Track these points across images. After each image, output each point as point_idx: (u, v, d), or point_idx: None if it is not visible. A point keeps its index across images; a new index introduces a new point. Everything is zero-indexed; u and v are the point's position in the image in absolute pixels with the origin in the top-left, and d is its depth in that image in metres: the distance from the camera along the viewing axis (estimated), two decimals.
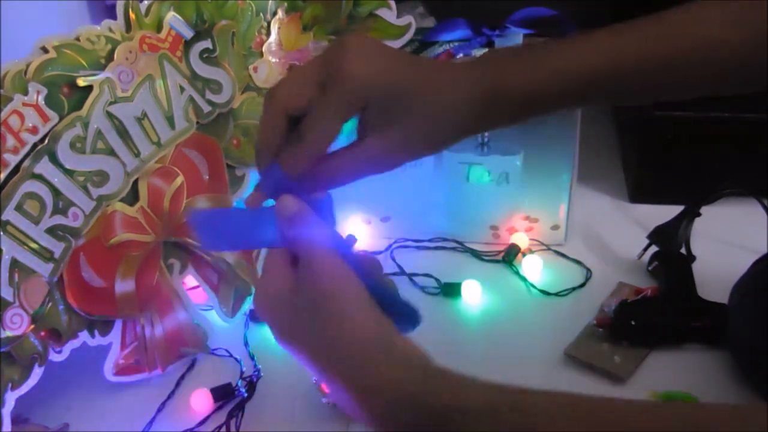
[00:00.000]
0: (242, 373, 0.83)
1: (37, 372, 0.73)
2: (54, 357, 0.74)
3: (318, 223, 0.52)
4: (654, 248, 0.93)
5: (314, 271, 0.50)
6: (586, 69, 0.57)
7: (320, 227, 0.52)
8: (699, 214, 0.91)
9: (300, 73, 0.55)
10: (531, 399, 0.46)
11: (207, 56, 0.80)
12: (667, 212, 0.92)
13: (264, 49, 0.84)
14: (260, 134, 0.54)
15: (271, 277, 0.51)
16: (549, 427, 0.44)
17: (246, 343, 0.87)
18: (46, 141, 0.71)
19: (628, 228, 1.01)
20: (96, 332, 0.77)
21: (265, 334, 0.89)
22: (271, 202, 0.55)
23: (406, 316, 0.52)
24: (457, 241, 0.99)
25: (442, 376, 0.48)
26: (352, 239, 0.55)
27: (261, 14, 0.83)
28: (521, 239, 0.97)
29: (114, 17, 0.75)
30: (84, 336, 0.76)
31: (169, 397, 0.81)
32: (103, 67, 0.74)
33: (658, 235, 0.92)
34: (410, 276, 0.94)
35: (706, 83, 0.60)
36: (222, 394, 0.80)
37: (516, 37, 0.94)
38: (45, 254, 0.72)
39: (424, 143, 0.57)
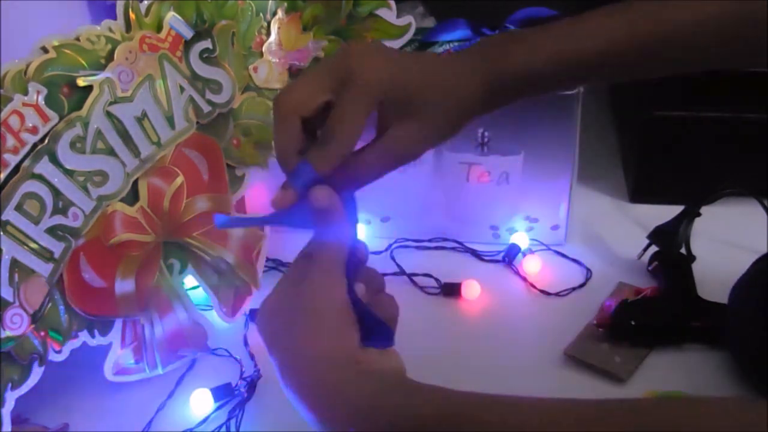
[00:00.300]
0: (242, 373, 0.83)
1: (37, 372, 0.73)
2: (54, 357, 0.74)
3: (343, 223, 0.55)
4: (654, 248, 0.93)
5: (313, 282, 0.52)
6: (582, 50, 0.59)
7: (344, 227, 0.55)
8: (699, 214, 0.91)
9: (310, 78, 0.56)
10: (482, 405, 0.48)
11: (207, 56, 0.80)
12: (667, 212, 0.92)
13: (264, 49, 0.84)
14: (278, 139, 0.56)
15: (274, 294, 0.55)
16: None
17: (246, 343, 0.87)
18: (46, 141, 0.71)
19: (628, 228, 1.01)
20: (96, 332, 0.77)
21: None
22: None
23: (382, 335, 0.53)
24: (457, 241, 0.99)
25: (404, 389, 0.50)
26: (365, 250, 0.57)
27: (261, 14, 0.83)
28: (521, 239, 0.97)
29: (114, 17, 0.75)
30: (84, 336, 0.76)
31: (169, 397, 0.81)
32: (103, 67, 0.74)
33: (658, 235, 0.92)
34: (410, 276, 0.94)
35: (704, 58, 0.61)
36: (222, 394, 0.80)
37: None
38: (45, 254, 0.72)
39: (438, 131, 0.60)
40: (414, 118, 0.57)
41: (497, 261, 0.97)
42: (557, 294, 0.91)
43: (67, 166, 0.72)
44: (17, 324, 0.71)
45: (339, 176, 0.56)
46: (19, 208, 0.70)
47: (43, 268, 0.72)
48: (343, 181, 0.56)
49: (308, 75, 0.58)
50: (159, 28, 0.77)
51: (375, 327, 0.53)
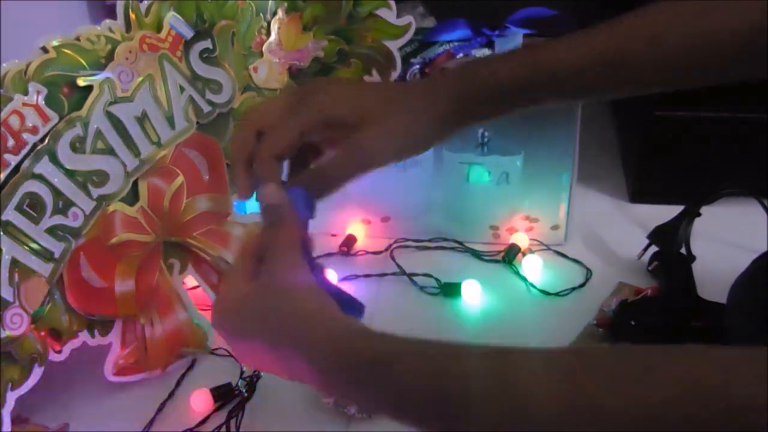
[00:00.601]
0: (242, 373, 0.83)
1: (37, 372, 0.73)
2: (54, 357, 0.74)
3: (291, 218, 0.56)
4: (654, 248, 0.93)
5: (275, 270, 0.54)
6: (545, 62, 0.59)
7: (293, 222, 0.56)
8: (699, 214, 0.91)
9: (272, 101, 0.62)
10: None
11: (207, 56, 0.80)
12: (667, 212, 0.92)
13: (264, 49, 0.84)
14: (232, 148, 0.59)
15: (223, 294, 0.55)
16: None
17: None
18: (46, 141, 0.71)
19: (628, 228, 1.01)
20: (96, 332, 0.77)
21: None
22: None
23: (354, 309, 0.55)
24: (457, 241, 0.99)
25: (376, 334, 0.51)
26: (311, 242, 0.58)
27: (261, 14, 0.83)
28: (521, 239, 0.97)
29: (114, 17, 0.75)
30: (84, 336, 0.76)
31: (169, 397, 0.81)
32: (103, 67, 0.74)
33: (658, 235, 0.92)
34: (410, 276, 0.94)
35: (707, 72, 0.61)
36: (222, 394, 0.80)
37: (516, 37, 0.94)
38: (45, 254, 0.72)
39: (400, 140, 0.61)
40: (374, 128, 0.59)
41: (497, 261, 0.97)
42: (557, 294, 0.91)
43: (67, 166, 0.72)
44: (17, 324, 0.71)
45: (309, 181, 0.59)
46: (19, 208, 0.70)
47: (43, 268, 0.72)
48: (313, 186, 0.59)
49: (271, 99, 0.64)
50: (159, 28, 0.77)
51: (346, 302, 0.55)
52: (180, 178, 0.80)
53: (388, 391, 0.48)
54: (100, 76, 0.73)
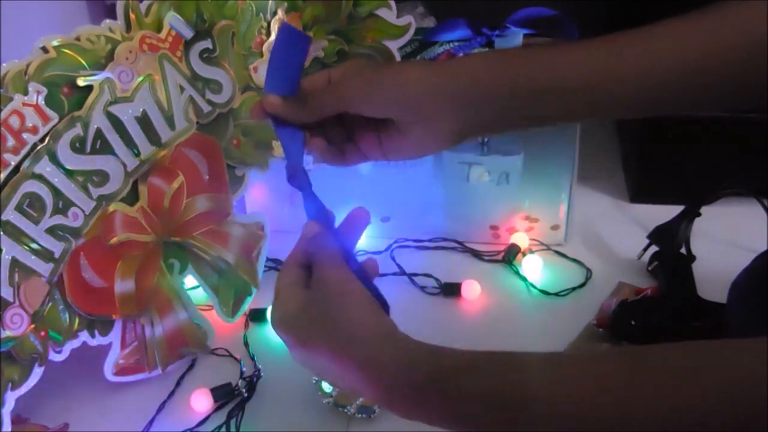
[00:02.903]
0: (242, 373, 0.83)
1: (37, 372, 0.73)
2: (54, 357, 0.74)
3: (331, 242, 0.58)
4: (654, 248, 0.93)
5: (325, 280, 0.56)
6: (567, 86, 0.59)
7: (332, 245, 0.58)
8: (699, 214, 0.91)
9: (352, 71, 0.62)
10: (517, 356, 0.52)
11: (207, 56, 0.80)
12: (667, 212, 0.92)
13: (264, 49, 0.84)
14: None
15: (284, 298, 0.56)
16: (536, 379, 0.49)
17: (246, 343, 0.87)
18: (46, 141, 0.71)
19: (628, 228, 1.01)
20: (96, 332, 0.77)
21: (265, 334, 0.89)
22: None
23: (383, 305, 0.57)
24: (457, 241, 0.99)
25: (436, 350, 0.54)
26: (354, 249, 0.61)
27: (261, 14, 0.83)
28: (521, 239, 0.97)
29: (114, 17, 0.75)
30: (84, 336, 0.76)
31: (169, 397, 0.81)
32: (103, 67, 0.74)
33: (658, 235, 0.92)
34: (410, 276, 0.94)
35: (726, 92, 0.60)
36: (222, 394, 0.80)
37: (516, 37, 0.94)
38: (45, 254, 0.72)
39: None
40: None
41: (497, 261, 0.97)
42: (557, 294, 0.91)
43: (67, 166, 0.72)
44: (17, 324, 0.71)
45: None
46: (19, 208, 0.70)
47: (43, 268, 0.72)
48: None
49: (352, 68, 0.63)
50: (159, 28, 0.77)
51: (378, 299, 0.56)
52: (180, 178, 0.80)
53: (448, 406, 0.50)
54: (100, 76, 0.73)
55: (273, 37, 0.63)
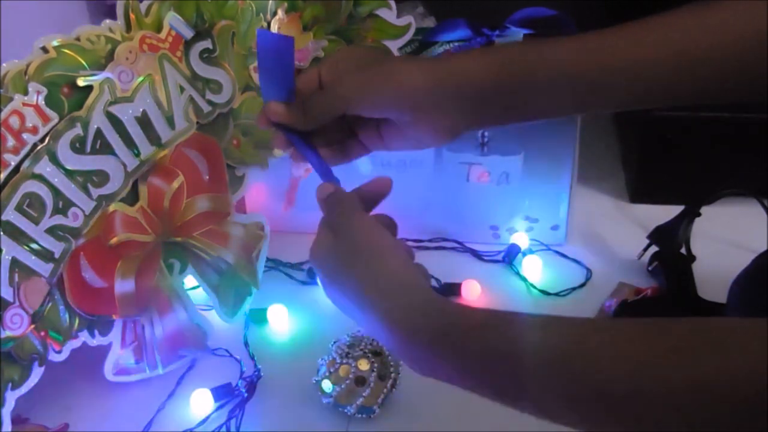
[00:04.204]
0: (242, 373, 0.83)
1: (37, 372, 0.73)
2: (54, 357, 0.74)
3: (346, 197, 0.60)
4: (654, 248, 0.93)
5: (350, 229, 0.57)
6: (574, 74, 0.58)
7: (348, 199, 0.60)
8: (699, 214, 0.91)
9: (345, 61, 0.63)
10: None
11: (207, 56, 0.80)
12: (667, 212, 0.92)
13: None
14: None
15: (318, 239, 0.58)
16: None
17: (246, 343, 0.87)
18: (46, 141, 0.71)
19: (628, 228, 1.01)
20: (96, 332, 0.77)
21: (265, 334, 0.89)
22: None
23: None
24: (457, 241, 0.99)
25: (455, 303, 0.54)
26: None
27: (261, 14, 0.83)
28: (521, 239, 0.97)
29: (114, 17, 0.74)
30: (84, 336, 0.76)
31: (169, 397, 0.81)
32: (103, 67, 0.73)
33: (658, 235, 0.92)
34: None
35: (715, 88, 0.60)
36: (222, 394, 0.80)
37: (516, 37, 0.94)
38: (45, 254, 0.72)
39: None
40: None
41: (497, 261, 0.97)
42: (557, 294, 0.91)
43: (67, 166, 0.72)
44: (17, 324, 0.71)
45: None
46: (19, 208, 0.70)
47: (43, 268, 0.72)
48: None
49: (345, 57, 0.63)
50: (159, 28, 0.77)
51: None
52: (180, 178, 0.80)
53: (465, 356, 0.50)
54: (100, 76, 0.73)
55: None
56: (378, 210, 0.86)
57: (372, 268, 0.55)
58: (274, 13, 0.84)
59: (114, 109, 0.74)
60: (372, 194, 0.61)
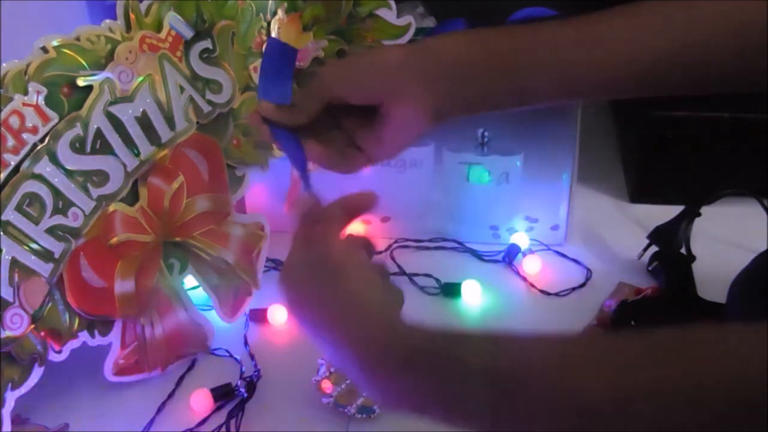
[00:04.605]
0: (242, 373, 0.83)
1: (37, 372, 0.73)
2: (54, 357, 0.74)
3: (325, 214, 0.58)
4: (654, 248, 0.93)
5: (328, 249, 0.55)
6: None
7: (326, 216, 0.58)
8: (699, 214, 0.91)
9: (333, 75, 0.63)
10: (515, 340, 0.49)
11: (207, 56, 0.80)
12: (667, 212, 0.92)
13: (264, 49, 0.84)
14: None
15: (291, 255, 0.57)
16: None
17: (246, 343, 0.87)
18: (46, 141, 0.71)
19: (628, 228, 1.01)
20: (96, 332, 0.77)
21: (265, 334, 0.89)
22: None
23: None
24: (457, 241, 0.99)
25: (423, 326, 0.51)
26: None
27: (261, 14, 0.83)
28: (521, 239, 0.97)
29: (114, 17, 0.74)
30: (84, 336, 0.76)
31: (169, 397, 0.81)
32: (103, 67, 0.74)
33: (658, 235, 0.92)
34: (410, 276, 0.94)
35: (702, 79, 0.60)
36: (222, 394, 0.80)
37: None
38: (45, 254, 0.72)
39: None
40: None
41: (497, 261, 0.97)
42: (557, 294, 0.91)
43: (67, 166, 0.72)
44: (17, 324, 0.71)
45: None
46: (19, 208, 0.70)
47: (43, 268, 0.72)
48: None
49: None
50: (159, 28, 0.77)
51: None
52: (180, 178, 0.80)
53: (437, 379, 0.47)
54: (100, 76, 0.73)
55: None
56: (378, 210, 0.86)
57: (340, 291, 0.53)
58: (274, 13, 0.84)
59: (114, 109, 0.74)
60: (354, 207, 0.60)
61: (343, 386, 0.76)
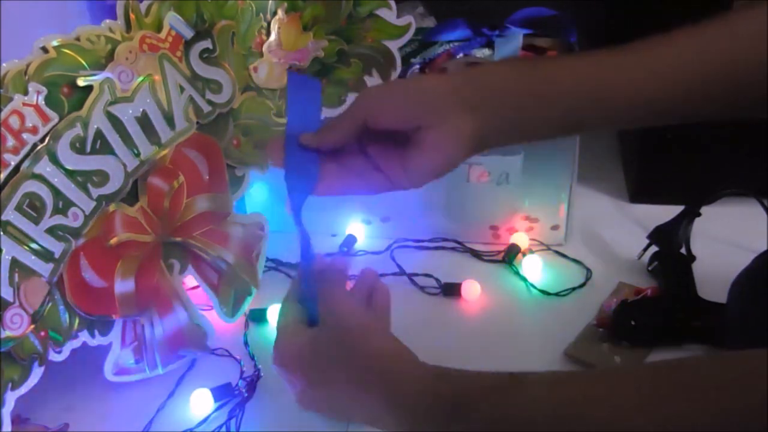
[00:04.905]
0: (242, 373, 0.83)
1: (37, 372, 0.73)
2: (54, 357, 0.74)
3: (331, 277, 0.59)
4: (654, 248, 0.93)
5: (335, 314, 0.55)
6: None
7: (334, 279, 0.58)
8: (699, 214, 0.91)
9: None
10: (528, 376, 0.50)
11: (207, 56, 0.80)
12: (667, 212, 0.92)
13: (264, 49, 0.84)
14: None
15: (289, 336, 0.56)
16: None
17: (246, 343, 0.87)
18: (46, 141, 0.71)
19: (628, 228, 1.01)
20: (96, 332, 0.77)
21: (265, 334, 0.89)
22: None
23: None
24: (457, 241, 0.99)
25: (456, 373, 0.52)
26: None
27: (261, 14, 0.83)
28: (521, 239, 0.97)
29: (114, 17, 0.74)
30: (84, 336, 0.76)
31: (169, 397, 0.81)
32: (103, 67, 0.74)
33: (658, 235, 0.92)
34: (410, 276, 0.94)
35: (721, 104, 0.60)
36: (222, 394, 0.80)
37: (516, 37, 0.94)
38: (45, 254, 0.72)
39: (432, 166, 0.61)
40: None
41: (497, 261, 0.97)
42: (557, 294, 0.91)
43: (67, 166, 0.72)
44: (17, 324, 0.71)
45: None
46: (19, 208, 0.70)
47: (43, 268, 0.72)
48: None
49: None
50: (159, 28, 0.77)
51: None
52: (180, 178, 0.80)
53: (476, 427, 0.48)
54: (100, 76, 0.73)
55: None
56: (378, 210, 0.87)
57: (365, 356, 0.53)
58: (274, 13, 0.84)
59: (114, 109, 0.74)
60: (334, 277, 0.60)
61: None
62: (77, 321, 0.75)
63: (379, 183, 0.63)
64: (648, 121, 0.62)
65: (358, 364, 0.53)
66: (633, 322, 0.82)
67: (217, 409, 0.79)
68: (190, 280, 0.85)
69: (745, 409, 0.42)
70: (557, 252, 0.97)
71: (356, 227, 1.00)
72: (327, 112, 0.88)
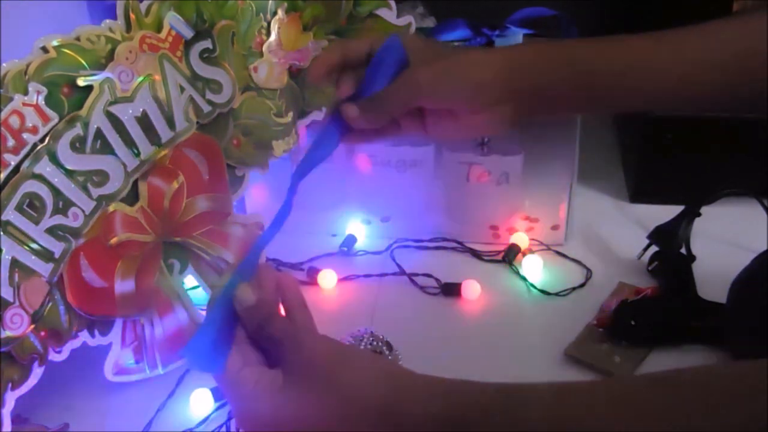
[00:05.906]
0: None
1: (37, 372, 0.73)
2: (54, 357, 0.74)
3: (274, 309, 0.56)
4: (654, 248, 0.93)
5: (304, 348, 0.53)
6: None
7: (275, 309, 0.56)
8: (699, 214, 0.91)
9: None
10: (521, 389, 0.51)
11: (207, 56, 0.80)
12: (667, 212, 0.92)
13: (264, 49, 0.84)
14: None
15: (255, 396, 0.52)
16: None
17: None
18: (46, 141, 0.71)
19: (628, 228, 1.01)
20: (96, 332, 0.77)
21: None
22: None
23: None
24: (457, 241, 0.99)
25: (450, 386, 0.51)
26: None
27: (261, 14, 0.83)
28: (521, 239, 0.97)
29: (114, 17, 0.74)
30: (84, 336, 0.76)
31: (169, 397, 0.81)
32: (103, 67, 0.74)
33: (658, 235, 0.92)
34: (410, 276, 0.94)
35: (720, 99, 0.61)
36: (222, 394, 0.80)
37: (516, 37, 0.94)
38: (45, 254, 0.72)
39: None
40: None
41: (497, 261, 0.97)
42: (557, 294, 0.91)
43: (67, 166, 0.72)
44: (17, 324, 0.71)
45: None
46: (19, 208, 0.70)
47: (43, 268, 0.72)
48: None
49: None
50: (159, 28, 0.77)
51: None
52: (180, 178, 0.80)
53: None
54: (100, 76, 0.73)
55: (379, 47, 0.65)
56: (378, 210, 0.87)
57: (347, 382, 0.51)
58: (274, 13, 0.84)
59: (114, 109, 0.74)
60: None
61: None
62: (77, 321, 0.75)
63: (390, 129, 0.66)
64: (687, 101, 0.64)
65: (341, 392, 0.51)
66: (633, 322, 0.82)
67: (217, 409, 0.79)
68: (190, 280, 0.85)
69: (749, 421, 0.42)
70: (557, 252, 0.97)
71: (356, 227, 1.00)
72: (319, 114, 0.89)
